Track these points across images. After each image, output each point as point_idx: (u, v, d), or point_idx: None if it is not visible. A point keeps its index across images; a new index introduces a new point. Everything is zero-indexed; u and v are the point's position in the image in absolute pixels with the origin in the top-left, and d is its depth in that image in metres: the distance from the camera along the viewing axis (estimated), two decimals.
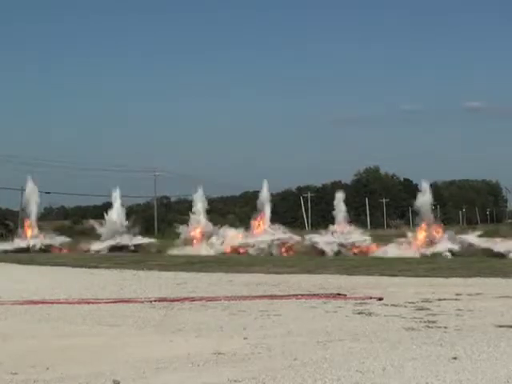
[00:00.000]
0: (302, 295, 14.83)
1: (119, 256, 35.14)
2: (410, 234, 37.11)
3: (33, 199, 46.64)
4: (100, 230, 44.13)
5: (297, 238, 39.15)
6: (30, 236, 44.39)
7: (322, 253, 35.80)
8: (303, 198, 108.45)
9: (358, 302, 13.58)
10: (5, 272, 25.34)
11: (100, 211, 57.13)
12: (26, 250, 41.59)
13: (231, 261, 29.67)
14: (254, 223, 40.77)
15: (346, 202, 41.05)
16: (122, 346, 8.98)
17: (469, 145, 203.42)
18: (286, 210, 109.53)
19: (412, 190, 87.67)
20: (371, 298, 14.17)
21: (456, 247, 33.79)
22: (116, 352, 8.53)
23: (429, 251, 33.54)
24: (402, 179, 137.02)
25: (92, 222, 48.38)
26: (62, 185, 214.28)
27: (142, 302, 13.81)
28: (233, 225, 44.65)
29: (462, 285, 17.24)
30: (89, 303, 13.73)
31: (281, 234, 39.09)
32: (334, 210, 40.47)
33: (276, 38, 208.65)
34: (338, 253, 35.92)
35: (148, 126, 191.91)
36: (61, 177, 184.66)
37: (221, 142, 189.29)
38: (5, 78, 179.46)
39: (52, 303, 13.82)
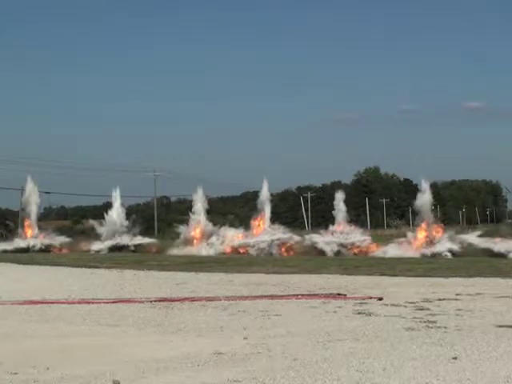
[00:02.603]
0: (302, 295, 14.83)
1: (119, 256, 35.18)
2: (409, 234, 37.17)
3: (33, 199, 46.72)
4: (100, 230, 44.20)
5: (297, 237, 39.20)
6: (30, 236, 44.47)
7: (322, 253, 35.85)
8: (303, 197, 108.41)
9: (358, 301, 13.58)
10: (5, 272, 25.35)
11: (100, 211, 57.17)
12: (26, 250, 41.66)
13: (231, 261, 29.69)
14: (253, 223, 40.81)
15: (346, 202, 41.10)
16: (122, 345, 8.97)
17: (469, 145, 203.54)
18: (286, 210, 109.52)
19: (412, 189, 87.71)
20: (371, 297, 14.18)
21: (456, 247, 33.83)
22: (116, 352, 8.52)
23: (429, 251, 33.58)
24: (401, 179, 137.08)
25: (92, 222, 48.45)
26: (62, 185, 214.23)
27: (142, 302, 13.81)
28: (233, 225, 44.68)
29: (462, 285, 17.23)
30: (89, 303, 13.73)
31: (281, 233, 39.13)
32: (333, 209, 40.54)
33: (276, 37, 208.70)
34: (337, 253, 35.97)
35: (148, 126, 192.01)
36: (61, 177, 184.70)
37: (221, 142, 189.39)
38: (5, 77, 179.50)
39: (52, 303, 13.82)
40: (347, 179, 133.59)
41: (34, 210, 46.22)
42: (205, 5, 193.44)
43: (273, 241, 37.98)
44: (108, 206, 48.08)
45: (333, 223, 39.97)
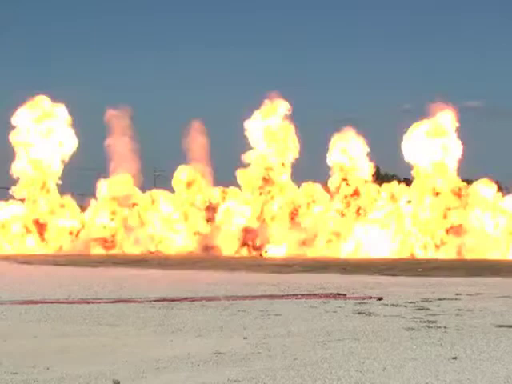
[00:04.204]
0: (302, 295, 14.83)
1: (119, 256, 35.14)
2: None
3: None
4: None
5: None
6: None
7: None
8: None
9: (358, 301, 13.58)
10: (5, 272, 25.31)
11: None
12: None
13: (232, 261, 29.67)
14: None
15: None
16: (122, 345, 8.96)
17: (469, 145, 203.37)
18: None
19: None
20: (371, 297, 14.18)
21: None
22: (116, 352, 8.51)
23: None
24: (401, 179, 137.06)
25: None
26: None
27: (142, 302, 13.80)
28: None
29: (462, 285, 17.24)
30: (89, 303, 13.72)
31: None
32: None
33: (276, 37, 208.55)
34: None
35: (148, 125, 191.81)
36: None
37: None
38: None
39: (52, 303, 13.79)
40: None
41: None
42: (205, 5, 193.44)
43: None
44: None
45: None
